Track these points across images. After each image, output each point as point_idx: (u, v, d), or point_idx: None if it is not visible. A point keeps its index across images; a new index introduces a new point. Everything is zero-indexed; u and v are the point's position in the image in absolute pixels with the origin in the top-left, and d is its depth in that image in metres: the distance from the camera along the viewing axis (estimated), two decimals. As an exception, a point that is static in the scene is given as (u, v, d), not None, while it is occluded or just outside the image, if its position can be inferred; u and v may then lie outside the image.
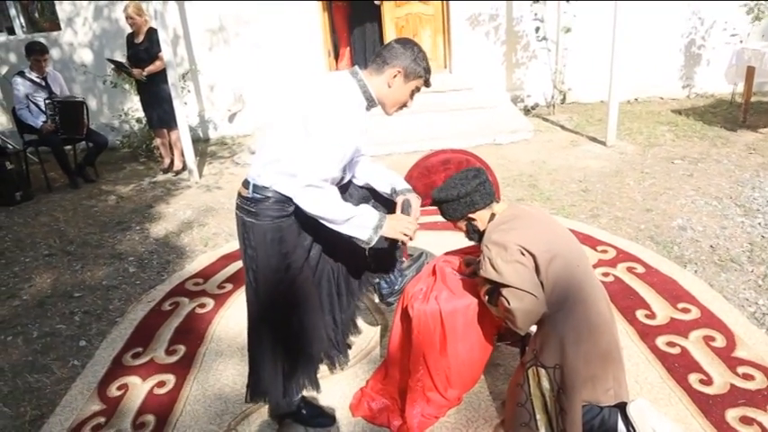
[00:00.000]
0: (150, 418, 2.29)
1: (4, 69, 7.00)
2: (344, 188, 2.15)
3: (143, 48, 5.29)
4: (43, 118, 5.36)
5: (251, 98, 6.97)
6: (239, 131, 7.08)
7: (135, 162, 6.31)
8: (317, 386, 2.22)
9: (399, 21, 6.98)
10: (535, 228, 1.89)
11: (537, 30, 6.12)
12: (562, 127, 6.00)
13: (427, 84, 1.97)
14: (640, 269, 3.07)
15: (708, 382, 2.20)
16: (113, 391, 2.47)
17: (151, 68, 5.26)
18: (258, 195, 1.87)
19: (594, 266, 3.11)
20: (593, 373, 1.77)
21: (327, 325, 2.20)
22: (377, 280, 2.26)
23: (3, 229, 4.56)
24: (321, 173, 1.77)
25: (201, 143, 6.81)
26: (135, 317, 3.05)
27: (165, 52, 4.94)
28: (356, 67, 1.95)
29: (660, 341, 2.46)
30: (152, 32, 5.22)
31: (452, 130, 5.78)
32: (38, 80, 5.38)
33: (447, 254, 2.37)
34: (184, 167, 5.66)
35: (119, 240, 4.13)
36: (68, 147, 5.71)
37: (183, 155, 5.59)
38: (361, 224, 1.85)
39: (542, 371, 1.79)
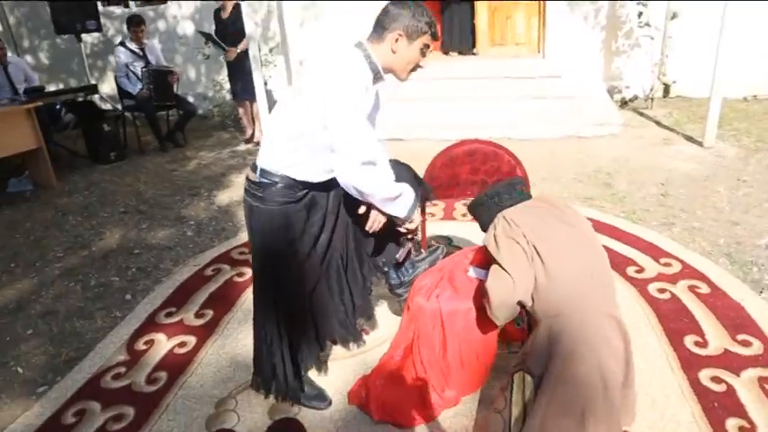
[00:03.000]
0: (163, 374, 2.39)
1: (119, 39, 7.59)
2: None
3: (230, 22, 5.49)
4: (140, 85, 5.76)
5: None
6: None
7: (223, 131, 6.63)
8: (321, 368, 2.21)
9: (492, 3, 6.69)
10: (553, 223, 1.73)
11: (639, 15, 5.58)
12: (658, 123, 5.47)
13: (435, 37, 1.84)
14: (704, 289, 2.72)
15: (749, 431, 1.91)
16: (140, 345, 2.61)
17: (241, 47, 5.47)
18: (265, 180, 1.85)
19: (652, 280, 2.81)
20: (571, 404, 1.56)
21: (338, 310, 2.16)
22: (385, 269, 2.18)
23: (93, 185, 4.98)
24: (368, 148, 1.73)
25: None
26: (179, 278, 3.20)
27: (247, 26, 5.08)
28: (362, 39, 1.85)
29: (704, 374, 2.16)
30: (238, 7, 5.39)
31: (534, 118, 5.46)
32: (136, 50, 5.77)
33: (467, 250, 2.23)
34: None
35: (186, 204, 4.35)
36: (162, 113, 6.11)
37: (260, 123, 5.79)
38: (405, 203, 1.88)
39: (528, 378, 1.63)
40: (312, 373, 2.22)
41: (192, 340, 2.62)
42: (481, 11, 6.75)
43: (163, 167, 5.35)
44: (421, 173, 2.42)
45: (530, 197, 1.92)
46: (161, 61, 6.03)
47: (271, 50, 6.63)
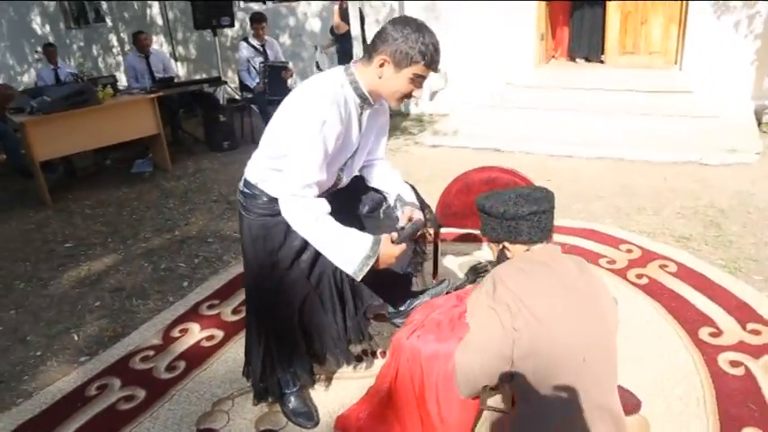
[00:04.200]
0: (182, 364, 2.51)
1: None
2: (352, 193, 2.01)
3: (344, 39, 5.64)
4: (258, 79, 6.13)
5: (454, 77, 6.90)
6: (438, 110, 7.09)
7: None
8: (311, 381, 2.17)
9: (626, 5, 6.08)
10: (551, 289, 1.47)
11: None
12: (809, 155, 4.58)
13: (431, 67, 1.64)
14: (793, 370, 2.22)
15: None
16: (176, 332, 2.77)
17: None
18: (247, 191, 1.86)
19: (727, 349, 2.36)
20: None
21: (331, 327, 2.10)
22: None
23: (200, 171, 5.41)
24: (300, 179, 1.65)
25: (399, 117, 7.00)
26: (233, 272, 3.35)
27: (353, 27, 5.15)
28: (354, 61, 1.75)
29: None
30: (348, 32, 5.50)
31: (653, 138, 4.87)
32: (257, 45, 6.14)
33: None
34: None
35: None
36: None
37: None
38: (346, 257, 1.68)
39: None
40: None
41: (220, 335, 2.72)
42: (613, 14, 6.17)
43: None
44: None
45: (549, 236, 1.67)
46: (279, 57, 6.36)
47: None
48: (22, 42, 11.39)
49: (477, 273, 3.05)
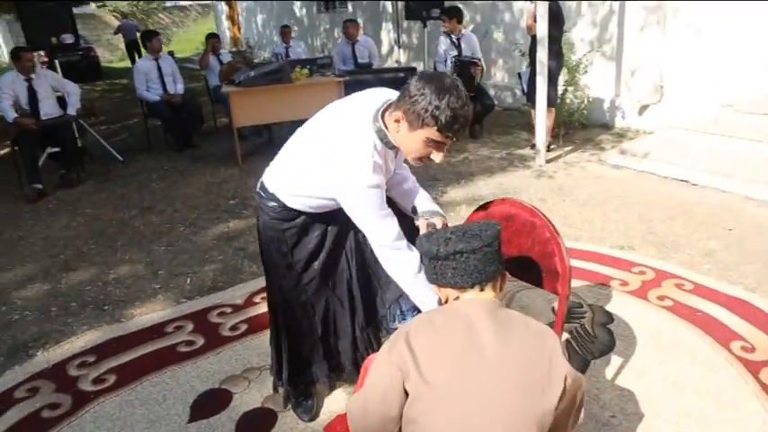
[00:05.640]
0: (244, 327, 2.75)
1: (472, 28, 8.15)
2: None
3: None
4: (453, 73, 6.14)
5: (672, 91, 5.98)
6: (646, 126, 6.24)
7: (523, 131, 6.51)
8: (328, 385, 2.20)
9: None
10: (459, 356, 1.23)
11: None
12: None
13: (447, 134, 1.47)
14: None
15: None
16: (257, 298, 3.01)
17: None
18: (263, 195, 1.90)
19: None
20: None
21: (347, 329, 2.10)
22: (388, 306, 2.00)
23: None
24: (384, 234, 1.63)
25: (597, 129, 6.35)
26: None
27: (540, 28, 4.79)
28: (387, 102, 1.63)
29: None
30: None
31: None
32: (454, 39, 6.13)
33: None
34: (549, 145, 5.56)
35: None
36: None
37: (549, 132, 5.48)
38: (423, 302, 1.66)
39: None
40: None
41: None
42: None
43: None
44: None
45: (484, 282, 1.32)
46: (476, 53, 6.25)
47: (590, 51, 6.06)
48: (285, 22, 13.33)
49: (569, 317, 2.69)
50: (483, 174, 4.97)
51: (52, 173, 5.30)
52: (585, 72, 6.07)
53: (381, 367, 1.27)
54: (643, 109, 6.28)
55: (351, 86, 6.28)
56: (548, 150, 5.48)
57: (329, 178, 1.64)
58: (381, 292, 2.04)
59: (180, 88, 6.49)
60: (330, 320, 2.07)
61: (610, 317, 2.65)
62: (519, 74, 5.78)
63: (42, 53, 13.64)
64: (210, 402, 2.25)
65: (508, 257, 1.70)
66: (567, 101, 6.23)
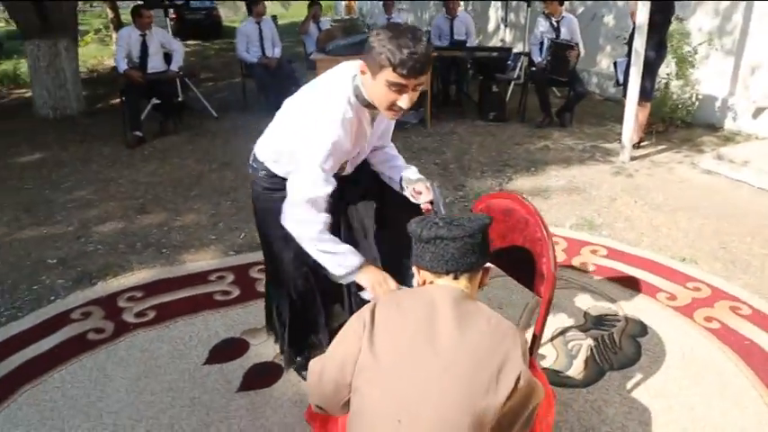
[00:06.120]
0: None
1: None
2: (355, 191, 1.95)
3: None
4: (547, 56, 5.88)
5: (797, 94, 5.33)
6: (759, 131, 5.62)
7: (619, 123, 6.10)
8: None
9: None
10: (412, 340, 1.24)
11: None
12: None
13: (402, 73, 1.47)
14: None
15: None
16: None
17: None
18: (254, 164, 1.97)
19: None
20: None
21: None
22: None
23: (453, 134, 5.65)
24: (309, 191, 1.66)
25: (701, 128, 5.82)
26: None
27: (640, 13, 4.42)
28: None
29: None
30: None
31: None
32: (553, 21, 5.84)
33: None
34: (641, 141, 5.21)
35: (469, 176, 4.51)
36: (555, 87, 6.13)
37: (641, 127, 5.13)
38: (338, 261, 1.71)
39: None
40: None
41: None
42: None
43: (513, 137, 5.51)
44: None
45: (459, 271, 1.31)
46: (575, 37, 5.92)
47: (705, 42, 5.52)
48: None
49: (600, 323, 2.57)
50: (558, 164, 4.75)
51: (155, 122, 5.78)
52: (697, 66, 5.55)
53: (345, 334, 1.31)
54: (759, 112, 5.65)
55: (441, 62, 6.25)
56: (637, 147, 5.13)
57: (302, 130, 1.67)
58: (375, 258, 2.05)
59: (277, 52, 6.74)
60: (328, 287, 2.08)
61: (643, 329, 2.49)
62: (615, 62, 5.40)
63: (172, 12, 14.72)
64: (228, 349, 2.42)
65: (502, 252, 1.66)
66: (674, 96, 5.76)
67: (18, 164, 4.97)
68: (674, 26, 5.26)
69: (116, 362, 2.33)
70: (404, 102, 1.55)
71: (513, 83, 6.72)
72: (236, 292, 2.84)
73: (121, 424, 2.02)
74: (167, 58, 5.98)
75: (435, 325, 1.25)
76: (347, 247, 1.72)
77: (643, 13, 4.40)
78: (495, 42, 9.71)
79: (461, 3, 6.99)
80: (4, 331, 2.51)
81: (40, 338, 2.47)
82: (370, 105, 1.66)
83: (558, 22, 5.85)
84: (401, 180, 1.91)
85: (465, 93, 6.84)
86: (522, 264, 1.59)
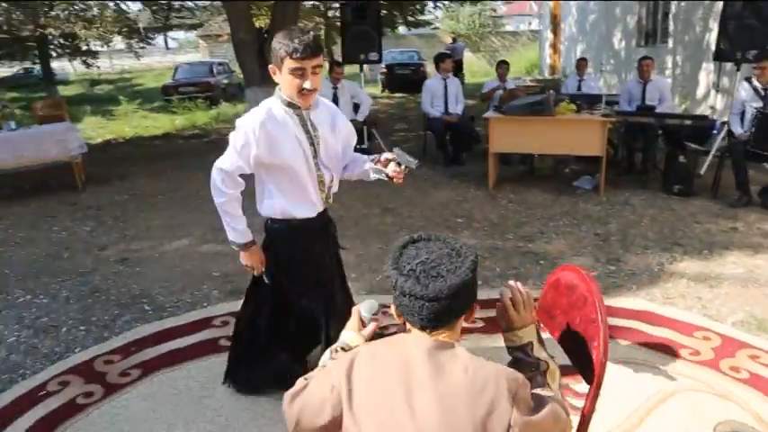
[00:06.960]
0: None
1: None
2: None
3: None
4: (746, 127, 5.20)
5: None
6: None
7: None
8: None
9: None
10: (388, 398, 1.19)
11: None
12: None
13: (296, 56, 1.85)
14: None
15: None
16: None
17: None
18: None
19: None
20: None
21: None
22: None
23: (627, 205, 5.26)
24: (223, 165, 2.08)
25: None
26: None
27: None
28: None
29: None
30: None
31: None
32: (759, 89, 5.14)
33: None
34: None
35: (629, 251, 4.13)
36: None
37: None
38: (232, 225, 2.17)
39: None
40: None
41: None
42: None
43: (695, 215, 4.90)
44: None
45: (434, 327, 1.22)
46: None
47: None
48: (601, 54, 12.86)
49: None
50: (741, 250, 4.11)
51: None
52: None
53: (323, 381, 1.27)
54: None
55: (627, 128, 5.92)
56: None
57: None
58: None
59: (459, 109, 7.04)
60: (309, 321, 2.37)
61: None
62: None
63: (383, 66, 16.12)
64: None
65: (562, 329, 1.57)
66: None
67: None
68: None
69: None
70: (308, 84, 1.91)
71: (711, 155, 6.00)
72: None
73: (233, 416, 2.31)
74: (356, 108, 6.66)
75: (411, 385, 1.17)
76: (243, 224, 2.19)
77: None
78: (703, 110, 8.81)
79: (653, 64, 6.51)
80: (159, 324, 3.05)
81: (183, 335, 2.95)
82: (291, 105, 2.01)
83: (765, 89, 5.14)
84: (369, 166, 2.16)
85: (652, 162, 6.31)
86: (576, 345, 1.48)
